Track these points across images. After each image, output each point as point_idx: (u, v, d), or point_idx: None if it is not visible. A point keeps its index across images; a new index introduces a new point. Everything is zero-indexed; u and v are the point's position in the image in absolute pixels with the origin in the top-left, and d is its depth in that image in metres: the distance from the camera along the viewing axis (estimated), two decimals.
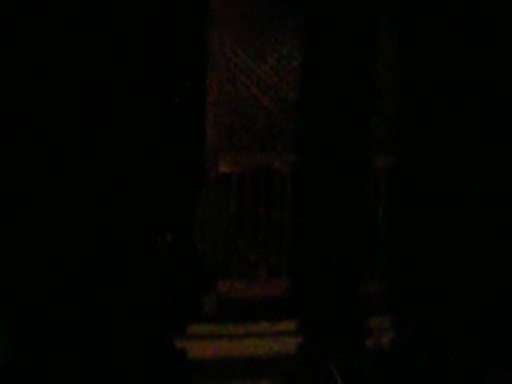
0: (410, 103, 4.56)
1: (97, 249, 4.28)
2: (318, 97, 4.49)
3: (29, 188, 4.26)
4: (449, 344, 4.38)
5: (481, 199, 4.52)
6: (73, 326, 4.11)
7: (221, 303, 4.35)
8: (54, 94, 4.29)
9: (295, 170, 4.44)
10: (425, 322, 4.43)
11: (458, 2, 4.50)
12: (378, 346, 4.35)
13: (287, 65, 4.44)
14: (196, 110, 4.42)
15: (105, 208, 4.34)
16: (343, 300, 4.41)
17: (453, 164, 4.55)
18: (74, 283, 4.22)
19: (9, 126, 4.25)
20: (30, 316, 4.12)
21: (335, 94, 4.53)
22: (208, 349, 4.25)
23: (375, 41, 4.52)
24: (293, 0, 4.41)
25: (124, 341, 4.15)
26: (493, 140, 4.58)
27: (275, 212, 4.43)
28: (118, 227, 4.39)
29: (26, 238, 4.25)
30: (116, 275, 4.30)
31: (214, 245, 4.35)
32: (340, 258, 4.43)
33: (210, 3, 4.27)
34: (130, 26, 4.33)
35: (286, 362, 4.34)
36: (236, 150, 4.39)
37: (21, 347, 4.05)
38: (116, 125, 4.35)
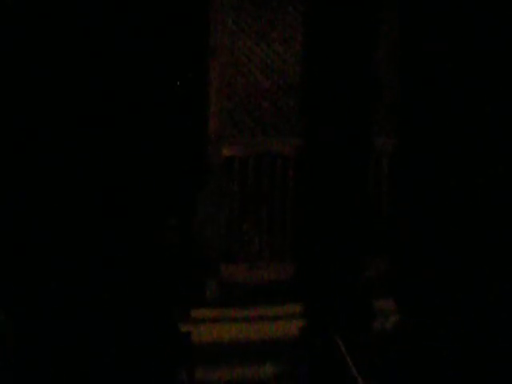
0: (413, 85, 4.54)
1: (98, 233, 4.28)
2: (321, 80, 4.48)
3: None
4: (454, 328, 4.35)
5: (484, 184, 4.49)
6: (71, 308, 4.12)
7: (224, 287, 4.34)
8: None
9: (298, 153, 4.43)
10: (430, 305, 4.40)
11: None
12: (383, 329, 4.33)
13: (290, 48, 4.44)
14: (198, 94, 4.41)
15: (107, 192, 4.35)
16: (347, 283, 4.39)
17: (458, 144, 4.52)
18: (73, 269, 4.23)
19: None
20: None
21: (338, 78, 4.51)
22: (211, 333, 4.25)
23: (378, 24, 4.50)
24: None
25: (126, 325, 4.15)
26: (498, 122, 4.55)
27: (278, 196, 4.42)
28: (120, 212, 4.39)
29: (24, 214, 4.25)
30: (118, 260, 4.30)
31: (217, 229, 4.35)
32: (344, 240, 4.42)
33: None
34: (129, 10, 4.32)
35: (290, 345, 4.32)
36: (239, 134, 4.39)
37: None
38: (117, 110, 4.35)
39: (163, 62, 4.43)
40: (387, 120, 4.45)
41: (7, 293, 4.15)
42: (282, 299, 4.36)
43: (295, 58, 4.44)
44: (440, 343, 4.26)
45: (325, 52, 4.49)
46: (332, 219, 4.44)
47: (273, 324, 4.31)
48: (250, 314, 4.30)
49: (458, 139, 4.58)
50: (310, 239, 4.45)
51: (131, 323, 4.21)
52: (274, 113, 4.42)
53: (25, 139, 4.26)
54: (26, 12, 4.20)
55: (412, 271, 4.46)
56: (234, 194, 4.38)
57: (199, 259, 4.33)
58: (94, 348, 4.07)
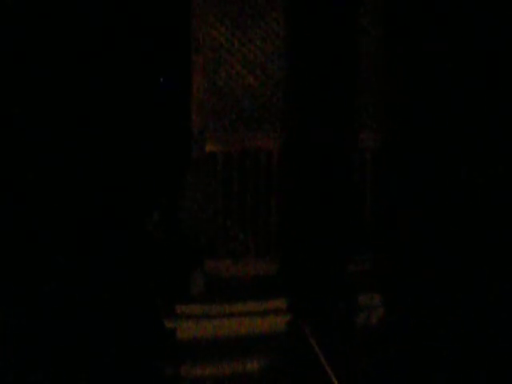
0: (400, 81, 4.54)
1: (83, 229, 4.27)
2: (304, 75, 4.48)
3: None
4: (439, 321, 4.36)
5: (471, 176, 4.51)
6: (61, 305, 4.11)
7: (209, 282, 4.32)
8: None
9: (282, 148, 4.42)
10: (415, 300, 4.41)
11: None
12: (368, 324, 4.32)
13: (273, 43, 4.42)
14: (182, 90, 4.40)
15: (91, 189, 4.33)
16: (332, 278, 4.39)
17: (443, 142, 4.53)
18: (62, 264, 4.22)
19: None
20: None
21: (321, 73, 4.51)
22: (196, 328, 4.23)
23: (362, 18, 4.50)
24: None
25: (110, 321, 4.14)
26: (485, 114, 4.57)
27: (262, 191, 4.41)
28: (103, 209, 4.37)
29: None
30: (101, 257, 4.29)
31: (202, 224, 4.33)
32: (328, 235, 4.41)
33: None
34: (113, 9, 4.32)
35: (275, 340, 4.32)
36: (222, 129, 4.37)
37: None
38: (101, 108, 4.34)
39: (146, 59, 4.42)
40: (372, 115, 4.44)
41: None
42: (267, 294, 4.34)
43: (278, 53, 4.43)
44: (425, 338, 4.26)
45: (308, 47, 4.50)
46: (316, 214, 4.44)
47: (258, 319, 4.30)
48: (235, 310, 4.28)
49: (446, 135, 4.59)
50: (295, 234, 4.45)
51: (115, 319, 4.19)
52: (258, 108, 4.40)
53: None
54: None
55: (399, 265, 4.47)
56: (218, 189, 4.36)
57: (184, 255, 4.32)
58: (76, 343, 4.05)
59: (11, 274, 4.25)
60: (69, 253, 4.32)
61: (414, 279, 4.46)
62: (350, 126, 4.43)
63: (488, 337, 4.29)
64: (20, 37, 4.23)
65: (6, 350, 4.01)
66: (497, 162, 4.59)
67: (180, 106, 4.38)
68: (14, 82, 4.26)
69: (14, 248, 4.27)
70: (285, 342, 4.32)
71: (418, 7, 4.61)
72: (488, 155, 4.59)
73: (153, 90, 4.41)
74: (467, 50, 4.59)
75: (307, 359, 4.19)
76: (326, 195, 4.44)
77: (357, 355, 4.20)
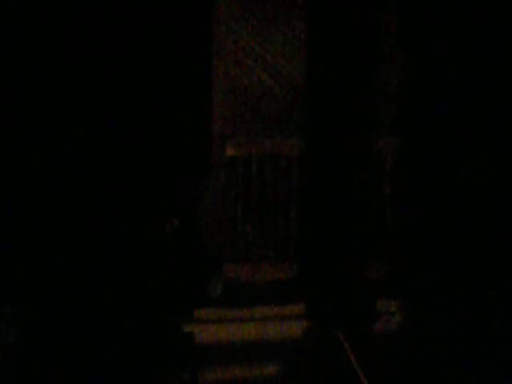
0: (416, 85, 4.54)
1: (100, 233, 4.28)
2: (324, 81, 4.48)
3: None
4: (455, 328, 4.36)
5: (488, 181, 4.50)
6: (72, 307, 4.11)
7: (227, 287, 4.34)
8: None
9: (301, 153, 4.43)
10: (433, 305, 4.41)
11: None
12: (386, 330, 4.33)
13: (294, 49, 4.43)
14: (202, 94, 4.41)
15: (111, 194, 4.34)
16: (350, 283, 4.39)
17: (460, 145, 4.52)
18: (73, 269, 4.22)
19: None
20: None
21: (341, 78, 4.51)
22: (215, 333, 4.24)
23: (379, 25, 4.50)
24: None
25: (129, 325, 4.15)
26: (502, 120, 4.56)
27: (282, 196, 4.42)
28: (125, 213, 4.38)
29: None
30: (123, 261, 4.30)
31: (221, 229, 4.34)
32: (346, 241, 4.42)
33: None
34: (132, 9, 4.32)
35: (294, 346, 4.32)
36: (242, 134, 4.38)
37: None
38: (120, 109, 4.34)
39: (167, 62, 4.42)
40: (390, 121, 4.44)
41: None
42: (286, 299, 4.35)
43: (299, 58, 4.43)
44: (441, 344, 4.26)
45: (328, 53, 4.49)
46: (335, 220, 4.44)
47: (276, 324, 4.30)
48: (253, 315, 4.29)
49: (459, 139, 4.58)
50: (314, 240, 4.45)
51: (134, 323, 4.20)
52: (278, 113, 4.41)
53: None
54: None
55: (415, 272, 4.46)
56: (237, 194, 4.37)
57: (202, 259, 4.32)
58: (95, 348, 4.06)
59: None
60: (84, 260, 4.33)
61: (431, 285, 4.45)
62: (370, 131, 4.43)
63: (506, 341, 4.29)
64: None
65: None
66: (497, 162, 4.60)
67: (201, 110, 4.38)
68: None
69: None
70: (303, 348, 4.32)
71: (440, 10, 4.60)
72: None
73: (173, 94, 4.41)
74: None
75: (327, 365, 4.19)
76: (345, 201, 4.44)
77: (376, 361, 4.20)
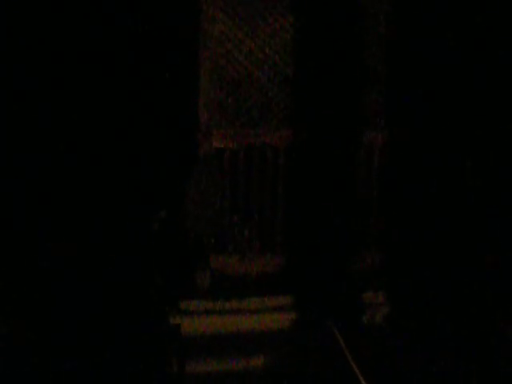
0: (403, 77, 4.54)
1: (89, 226, 4.26)
2: (311, 71, 4.47)
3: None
4: (442, 320, 4.37)
5: (473, 173, 4.51)
6: (63, 300, 4.10)
7: (214, 279, 4.33)
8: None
9: (288, 144, 4.41)
10: (419, 298, 4.42)
11: None
12: (373, 322, 4.34)
13: (280, 39, 4.41)
14: (189, 85, 4.39)
15: (98, 185, 4.32)
16: (337, 275, 4.39)
17: (447, 138, 4.53)
18: (59, 265, 4.21)
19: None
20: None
21: (328, 70, 4.50)
22: (201, 325, 4.23)
23: (367, 19, 4.49)
24: None
25: (116, 317, 4.14)
26: (487, 114, 4.57)
27: (269, 187, 4.41)
28: (111, 205, 4.36)
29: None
30: (109, 253, 4.28)
31: (208, 220, 4.33)
32: (333, 233, 4.41)
33: None
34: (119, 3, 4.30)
35: (280, 337, 4.32)
36: (229, 125, 4.36)
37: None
38: (106, 103, 4.32)
39: (153, 54, 4.40)
40: (377, 114, 4.44)
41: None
42: (273, 291, 4.35)
43: (286, 49, 4.42)
44: (431, 336, 4.27)
45: (316, 43, 4.48)
46: (322, 211, 4.44)
47: (263, 316, 4.30)
48: (240, 306, 4.29)
49: (445, 134, 4.59)
50: (301, 231, 4.45)
51: (120, 315, 4.19)
52: (265, 104, 4.39)
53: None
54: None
55: (402, 263, 4.47)
56: (224, 185, 4.36)
57: (189, 251, 4.31)
58: (80, 339, 4.05)
59: (9, 273, 4.25)
60: (69, 249, 4.30)
61: (418, 277, 4.46)
62: (357, 123, 4.43)
63: (490, 333, 4.31)
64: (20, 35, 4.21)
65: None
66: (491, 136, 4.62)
67: (187, 102, 4.36)
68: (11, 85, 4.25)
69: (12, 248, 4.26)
70: (290, 339, 4.32)
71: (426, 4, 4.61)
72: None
73: (159, 87, 4.39)
74: (473, 47, 4.58)
75: (313, 356, 4.20)
76: (332, 192, 4.44)
77: (364, 353, 4.21)
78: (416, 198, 4.51)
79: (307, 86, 4.47)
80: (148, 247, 4.32)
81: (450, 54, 4.57)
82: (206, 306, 4.25)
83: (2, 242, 4.22)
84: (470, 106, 4.59)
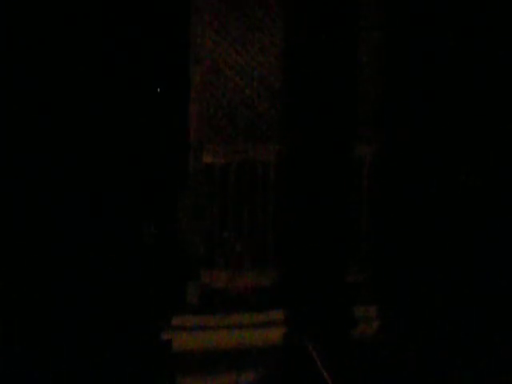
0: (395, 92, 4.55)
1: (76, 241, 4.26)
2: (301, 86, 4.48)
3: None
4: (434, 334, 4.36)
5: (467, 186, 4.52)
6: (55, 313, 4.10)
7: (205, 294, 4.32)
8: None
9: (279, 159, 4.42)
10: (410, 311, 4.41)
11: None
12: (364, 336, 4.32)
13: (270, 55, 4.43)
14: (179, 101, 4.41)
15: (88, 199, 4.33)
16: (329, 290, 4.39)
17: (439, 151, 4.55)
18: (56, 273, 4.21)
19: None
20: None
21: (318, 85, 4.52)
22: (193, 340, 4.22)
23: (359, 32, 4.51)
24: None
25: (106, 332, 4.13)
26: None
27: (259, 203, 4.41)
28: (102, 221, 4.37)
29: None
30: (99, 267, 4.28)
31: (199, 235, 4.33)
32: (325, 247, 4.42)
33: None
34: (110, 16, 4.32)
35: (272, 353, 4.31)
36: (220, 141, 4.37)
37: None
38: (97, 116, 4.34)
39: (144, 70, 4.43)
40: (368, 128, 4.45)
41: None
42: (264, 306, 4.34)
43: (275, 64, 4.43)
44: (421, 349, 4.26)
45: (306, 59, 4.50)
46: (313, 226, 4.44)
47: (254, 331, 4.29)
48: (231, 322, 4.28)
49: (435, 146, 4.60)
50: (292, 246, 4.45)
51: (110, 331, 4.19)
52: (255, 119, 4.41)
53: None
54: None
55: (394, 277, 4.47)
56: (214, 200, 4.36)
57: (180, 266, 4.31)
58: (70, 355, 4.05)
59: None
60: (57, 267, 4.30)
61: (410, 291, 4.46)
62: (347, 138, 4.44)
63: (488, 352, 4.30)
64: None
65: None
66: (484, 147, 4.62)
67: (177, 117, 4.38)
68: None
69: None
70: (280, 354, 4.31)
71: (420, 14, 4.63)
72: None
73: (150, 102, 4.41)
74: (467, 54, 4.60)
75: (305, 372, 4.19)
76: (323, 207, 4.45)
77: (353, 367, 4.20)
78: (407, 210, 4.52)
79: (298, 101, 4.49)
80: (138, 262, 4.32)
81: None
82: (197, 322, 4.24)
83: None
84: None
